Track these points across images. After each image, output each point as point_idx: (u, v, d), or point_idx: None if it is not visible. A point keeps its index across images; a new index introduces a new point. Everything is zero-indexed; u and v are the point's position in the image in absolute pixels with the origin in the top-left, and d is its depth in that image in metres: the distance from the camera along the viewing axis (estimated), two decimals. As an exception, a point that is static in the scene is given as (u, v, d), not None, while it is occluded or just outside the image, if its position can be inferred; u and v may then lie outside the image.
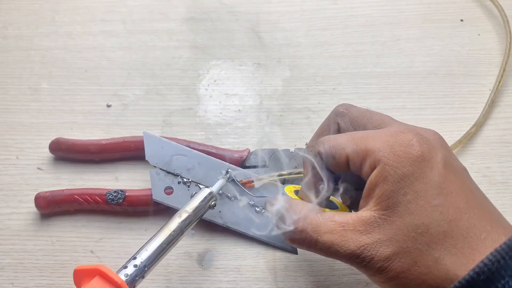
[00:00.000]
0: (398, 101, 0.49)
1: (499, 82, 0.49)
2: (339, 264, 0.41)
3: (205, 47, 0.52)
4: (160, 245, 0.33)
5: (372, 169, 0.30)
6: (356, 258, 0.29)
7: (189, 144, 0.44)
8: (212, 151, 0.44)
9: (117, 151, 0.45)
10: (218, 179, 0.41)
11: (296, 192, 0.36)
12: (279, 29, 0.54)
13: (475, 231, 0.27)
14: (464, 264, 0.27)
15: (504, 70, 0.49)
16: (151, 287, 0.40)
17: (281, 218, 0.33)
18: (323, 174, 0.33)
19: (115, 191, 0.42)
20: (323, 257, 0.41)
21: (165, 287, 0.40)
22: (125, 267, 0.32)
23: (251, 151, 0.45)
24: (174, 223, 0.35)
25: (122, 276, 0.31)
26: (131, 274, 0.31)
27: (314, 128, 0.47)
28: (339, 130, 0.35)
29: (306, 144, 0.46)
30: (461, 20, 0.54)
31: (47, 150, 0.45)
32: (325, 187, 0.33)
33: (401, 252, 0.28)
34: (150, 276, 0.39)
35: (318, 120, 0.48)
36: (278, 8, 0.55)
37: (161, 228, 0.35)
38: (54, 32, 0.53)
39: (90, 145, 0.44)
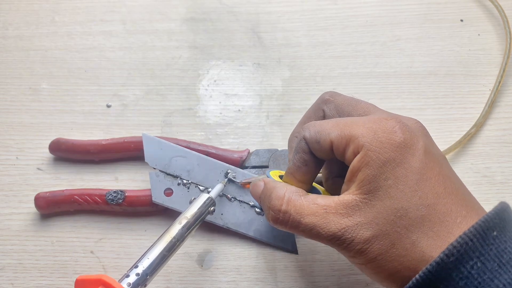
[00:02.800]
0: (398, 101, 0.49)
1: (499, 82, 0.49)
2: (339, 265, 0.41)
3: (205, 47, 0.52)
4: (161, 252, 0.33)
5: (355, 154, 0.30)
6: (337, 240, 0.30)
7: (189, 145, 0.44)
8: (212, 151, 0.44)
9: (117, 151, 0.45)
10: (218, 180, 0.41)
11: (281, 177, 0.36)
12: (279, 29, 0.54)
13: (451, 215, 0.29)
14: (439, 246, 0.28)
15: (504, 70, 0.49)
16: (151, 287, 0.40)
17: (265, 200, 0.33)
18: (307, 159, 0.33)
19: (114, 192, 0.42)
20: (323, 258, 0.41)
21: (165, 287, 0.40)
22: (127, 275, 0.32)
23: (250, 151, 0.45)
24: (174, 229, 0.35)
25: (125, 285, 0.31)
26: (133, 283, 0.31)
27: (314, 128, 0.47)
28: (324, 117, 0.36)
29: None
30: (461, 20, 0.54)
31: (47, 150, 0.45)
32: (309, 172, 0.33)
33: (380, 234, 0.29)
34: (150, 276, 0.40)
35: (318, 120, 0.48)
36: (278, 8, 0.55)
37: (161, 235, 0.35)
38: (54, 33, 0.53)
39: (90, 146, 0.44)
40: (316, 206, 0.31)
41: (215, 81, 0.50)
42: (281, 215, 0.32)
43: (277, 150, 0.45)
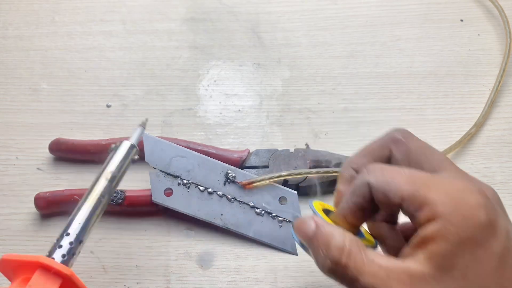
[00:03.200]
0: (398, 101, 0.49)
1: (499, 82, 0.49)
2: (339, 265, 0.41)
3: (205, 47, 0.52)
4: (90, 213, 0.31)
5: (429, 220, 0.27)
6: None
7: (189, 145, 0.44)
8: (212, 151, 0.44)
9: None
10: (136, 128, 0.39)
11: (326, 211, 0.33)
12: (279, 29, 0.54)
13: None
14: None
15: (504, 70, 0.49)
16: (151, 287, 0.40)
17: (320, 246, 0.30)
18: (366, 206, 0.30)
19: (114, 192, 0.42)
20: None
21: (165, 287, 0.40)
22: (59, 246, 0.30)
23: (250, 151, 0.45)
24: (100, 186, 0.32)
25: (60, 257, 0.29)
26: (68, 253, 0.29)
27: (313, 128, 0.47)
28: (390, 159, 0.33)
29: (306, 144, 0.46)
30: (461, 20, 0.54)
31: (47, 150, 0.45)
32: (362, 217, 0.31)
33: None
34: (149, 276, 0.40)
35: (318, 121, 0.48)
36: (278, 8, 0.55)
37: (86, 194, 0.32)
38: (54, 33, 0.53)
39: (90, 146, 0.44)
40: (378, 267, 0.28)
41: (215, 81, 0.50)
42: (340, 269, 0.29)
43: (277, 150, 0.45)
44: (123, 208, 0.42)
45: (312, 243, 0.31)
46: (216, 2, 0.55)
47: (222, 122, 0.48)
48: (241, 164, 0.44)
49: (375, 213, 0.31)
